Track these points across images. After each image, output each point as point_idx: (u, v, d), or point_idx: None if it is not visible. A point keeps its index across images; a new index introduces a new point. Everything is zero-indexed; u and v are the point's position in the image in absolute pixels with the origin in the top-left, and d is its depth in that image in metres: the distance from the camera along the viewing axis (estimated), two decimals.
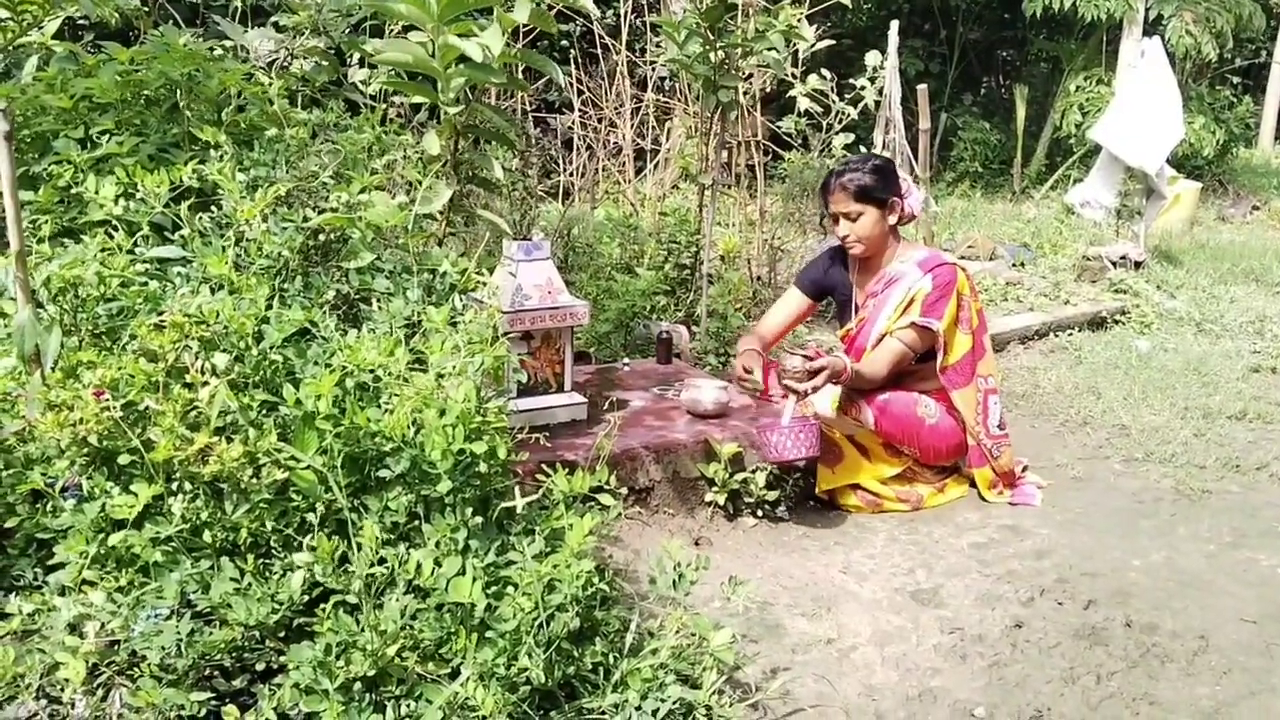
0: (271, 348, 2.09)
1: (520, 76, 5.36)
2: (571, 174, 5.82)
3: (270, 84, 2.66)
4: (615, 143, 5.80)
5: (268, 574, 1.99)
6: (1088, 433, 4.19)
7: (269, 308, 2.30)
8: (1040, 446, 4.03)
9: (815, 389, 3.23)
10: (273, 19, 3.84)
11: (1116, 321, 5.68)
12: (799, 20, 4.37)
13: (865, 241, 3.49)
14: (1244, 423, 4.30)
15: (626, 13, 5.55)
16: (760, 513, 3.28)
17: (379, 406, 2.08)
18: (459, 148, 2.58)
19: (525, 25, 4.88)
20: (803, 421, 3.19)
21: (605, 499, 2.24)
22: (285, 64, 3.75)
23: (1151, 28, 9.42)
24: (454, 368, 2.05)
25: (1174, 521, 3.40)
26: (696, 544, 3.12)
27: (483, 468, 2.10)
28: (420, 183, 2.38)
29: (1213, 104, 10.31)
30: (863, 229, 3.47)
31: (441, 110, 2.50)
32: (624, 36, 5.53)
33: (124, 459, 1.94)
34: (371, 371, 2.10)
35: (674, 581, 2.28)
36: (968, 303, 3.48)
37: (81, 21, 4.57)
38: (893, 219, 3.49)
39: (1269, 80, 13.81)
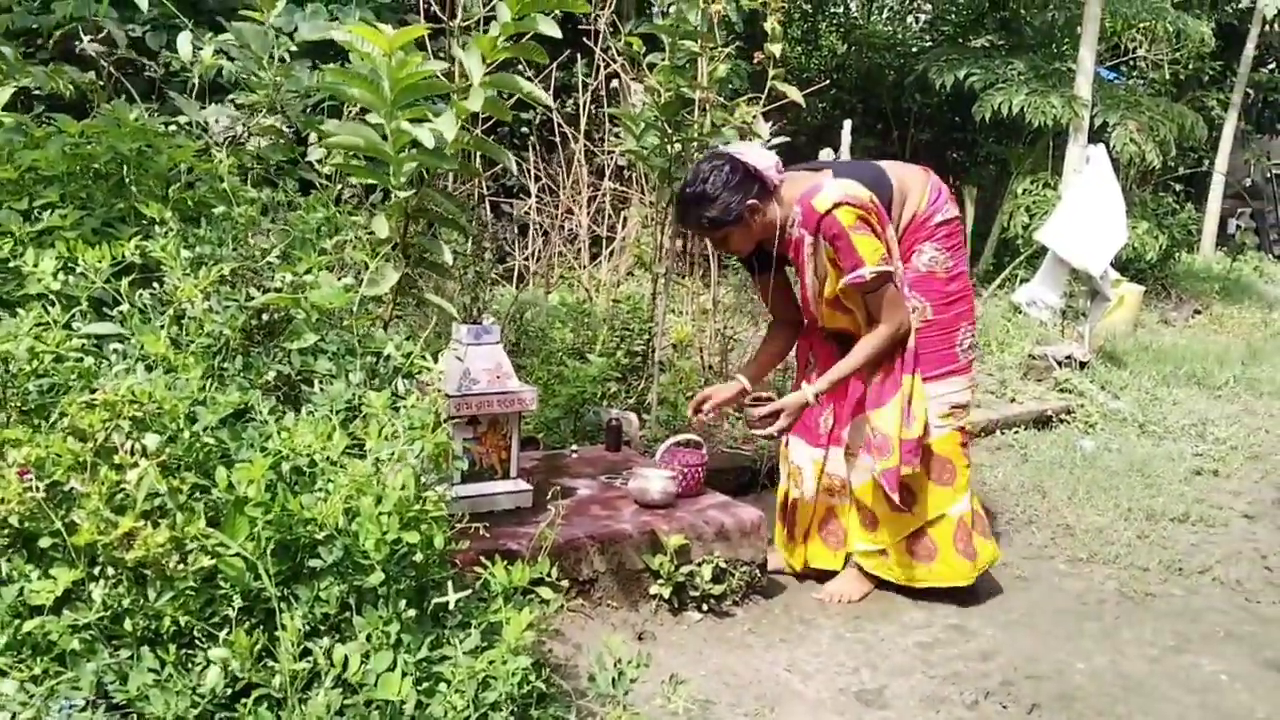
0: (205, 430, 2.04)
1: (478, 162, 5.39)
2: (527, 258, 5.83)
3: (220, 161, 2.64)
4: (570, 229, 5.83)
5: (190, 665, 1.92)
6: (1033, 532, 4.19)
7: (210, 387, 2.25)
8: None
9: (784, 430, 3.24)
10: (230, 96, 3.83)
11: (1062, 420, 5.74)
12: (754, 117, 4.45)
13: (747, 249, 3.32)
14: (1186, 525, 4.33)
15: (586, 103, 5.62)
16: (705, 606, 3.23)
17: (314, 493, 2.02)
18: (408, 231, 2.57)
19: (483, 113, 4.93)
20: (674, 453, 3.36)
21: (544, 592, 2.19)
22: (241, 141, 3.73)
23: (1097, 135, 9.69)
24: (392, 454, 2.01)
25: (1118, 624, 3.40)
26: (640, 638, 3.06)
27: (419, 558, 2.05)
28: (368, 265, 2.37)
29: (1156, 210, 10.59)
30: (736, 246, 3.30)
31: (392, 193, 2.50)
32: (582, 125, 5.59)
33: (45, 542, 1.86)
34: (308, 457, 2.05)
35: (613, 680, 2.23)
36: (871, 222, 3.12)
37: (36, 92, 4.55)
38: (759, 216, 3.21)
39: (1210, 189, 14.21)
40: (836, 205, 3.08)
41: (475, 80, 2.43)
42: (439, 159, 2.45)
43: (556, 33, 2.43)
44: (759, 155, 3.22)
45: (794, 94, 4.29)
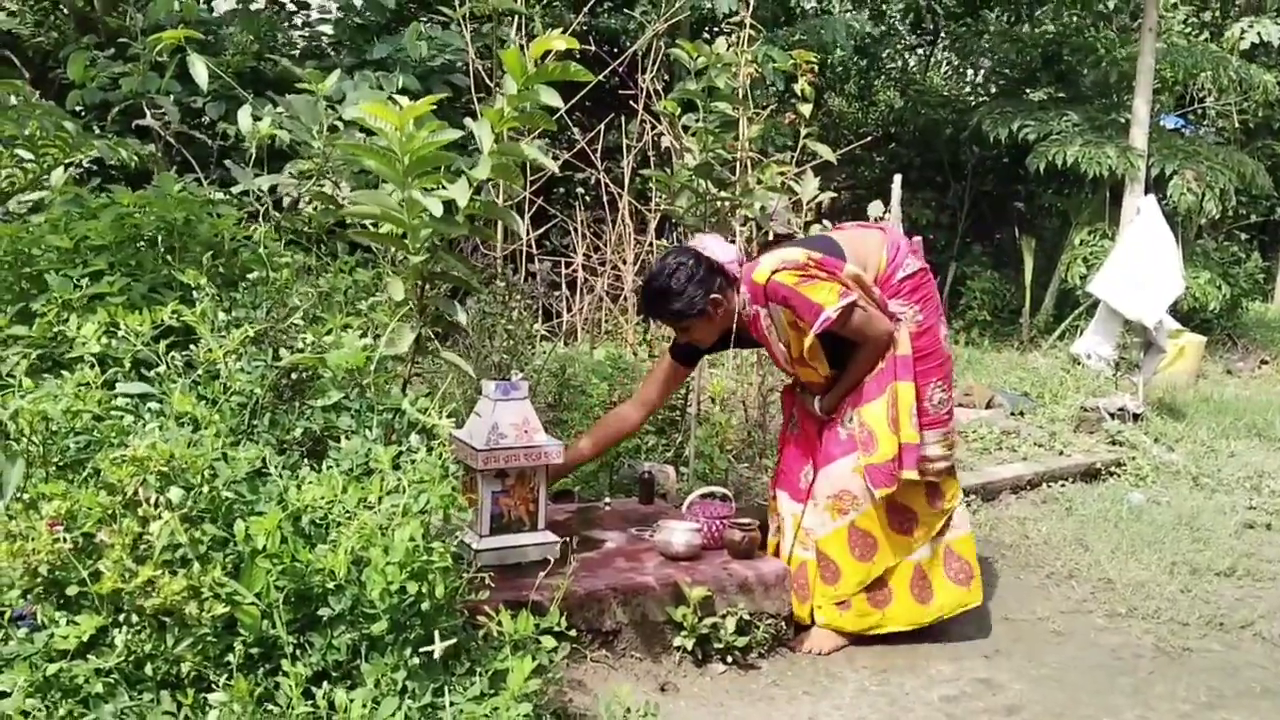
0: (225, 484, 2.16)
1: (527, 222, 5.55)
2: (573, 314, 5.97)
3: (257, 229, 2.79)
4: (614, 286, 5.95)
5: (208, 708, 2.02)
6: (1072, 586, 4.16)
7: (236, 444, 2.38)
8: (1023, 599, 4.01)
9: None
10: (289, 164, 4.02)
11: (1111, 473, 5.66)
12: (787, 176, 4.54)
13: (710, 339, 3.45)
14: (1232, 579, 4.26)
15: (629, 163, 5.76)
16: (730, 659, 3.26)
17: (327, 544, 2.13)
18: (425, 292, 2.70)
19: (535, 173, 5.08)
20: (704, 506, 3.47)
21: (548, 641, 2.26)
22: (294, 207, 3.92)
23: (1155, 184, 9.62)
24: (397, 506, 2.10)
25: (1151, 680, 3.36)
26: (663, 690, 3.10)
27: (426, 606, 2.13)
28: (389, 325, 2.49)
29: (1220, 260, 10.43)
30: (698, 336, 3.43)
31: (408, 258, 2.63)
32: (626, 184, 5.73)
33: (72, 590, 1.99)
34: (322, 510, 2.15)
35: None
36: (813, 273, 3.25)
37: (111, 165, 4.81)
38: (721, 309, 3.34)
39: None
40: (774, 272, 3.26)
41: (485, 149, 2.56)
42: (450, 225, 2.57)
43: (558, 102, 2.55)
44: (721, 248, 3.38)
45: (826, 152, 4.37)
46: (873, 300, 3.34)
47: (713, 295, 3.31)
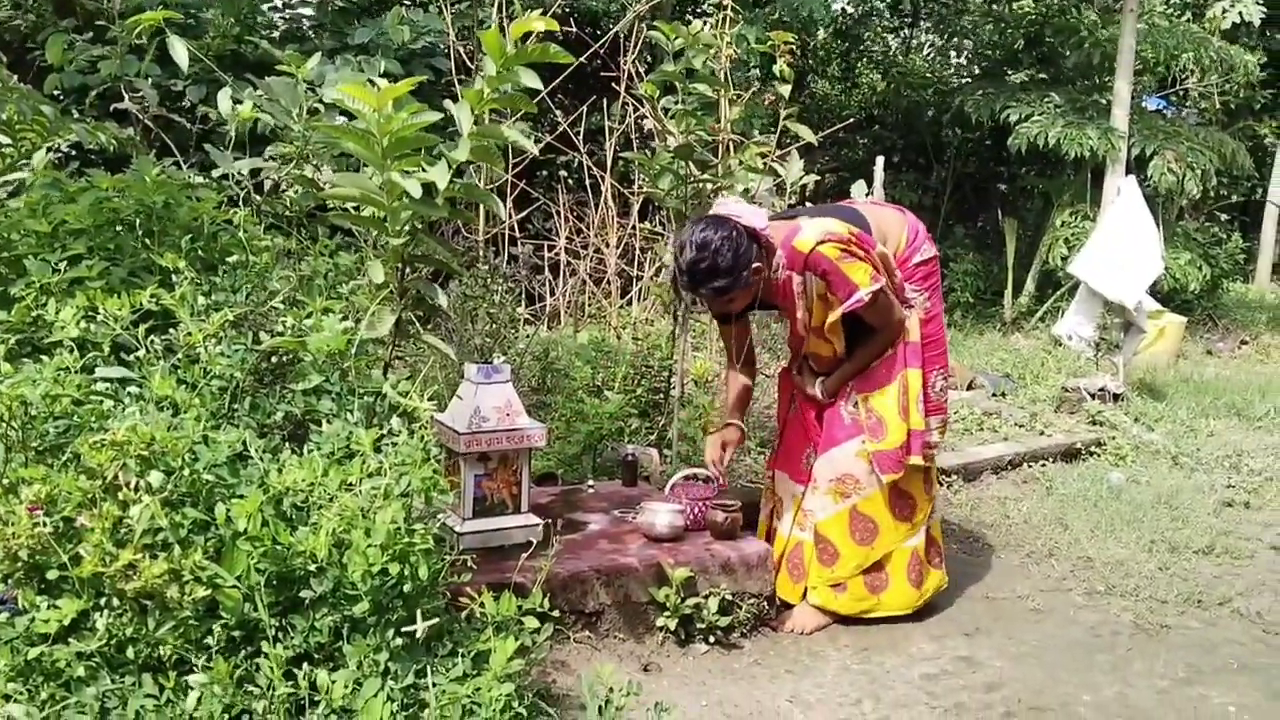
0: (206, 468, 2.16)
1: (510, 204, 5.54)
2: (556, 298, 5.97)
3: (237, 212, 2.78)
4: (597, 268, 5.95)
5: (190, 690, 2.03)
6: (1052, 564, 4.19)
7: (216, 427, 2.37)
8: (1003, 578, 4.04)
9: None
10: (270, 147, 4.00)
11: (1091, 453, 5.70)
12: (781, 155, 4.54)
13: (742, 306, 3.40)
14: (1211, 557, 4.30)
15: (612, 145, 5.76)
16: (712, 639, 3.28)
17: (308, 527, 2.13)
18: (405, 275, 2.70)
19: (518, 156, 5.07)
20: (687, 488, 3.50)
21: (530, 622, 2.28)
22: (274, 191, 3.90)
23: (1136, 165, 9.65)
24: (377, 489, 2.11)
25: (1130, 656, 3.40)
26: (646, 670, 3.12)
27: (408, 588, 2.14)
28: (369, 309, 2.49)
29: (1201, 240, 10.48)
30: (737, 306, 3.37)
31: (388, 241, 2.62)
32: (608, 167, 5.72)
33: (53, 574, 1.99)
34: (304, 493, 2.16)
35: (600, 708, 2.30)
36: (854, 250, 3.22)
37: (71, 151, 4.74)
38: (760, 276, 3.25)
39: (1264, 217, 14.04)
40: (820, 243, 3.22)
41: (464, 131, 2.56)
42: (430, 208, 2.57)
43: (538, 84, 2.55)
44: (754, 214, 3.26)
45: (806, 134, 4.36)
46: (893, 283, 3.37)
47: (755, 264, 3.22)
